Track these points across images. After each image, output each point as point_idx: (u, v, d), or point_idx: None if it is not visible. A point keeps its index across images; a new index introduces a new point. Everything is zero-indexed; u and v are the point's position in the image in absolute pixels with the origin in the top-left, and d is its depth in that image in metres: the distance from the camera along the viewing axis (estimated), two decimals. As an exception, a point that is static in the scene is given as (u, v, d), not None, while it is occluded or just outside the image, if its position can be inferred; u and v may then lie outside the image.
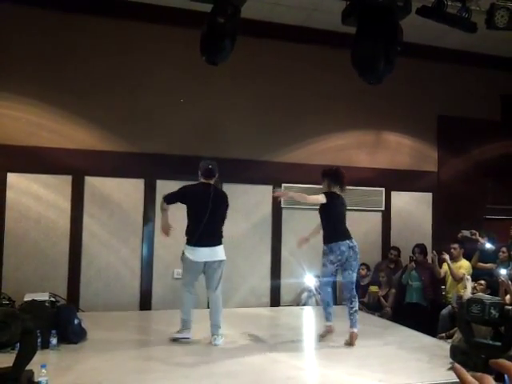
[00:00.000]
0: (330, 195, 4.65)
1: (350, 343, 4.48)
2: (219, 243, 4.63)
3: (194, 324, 5.16)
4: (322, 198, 4.61)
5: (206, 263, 4.57)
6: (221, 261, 4.64)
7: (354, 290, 4.65)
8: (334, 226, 4.65)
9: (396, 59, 4.02)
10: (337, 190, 4.72)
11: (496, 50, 7.43)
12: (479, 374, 0.70)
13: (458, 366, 0.72)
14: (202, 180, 4.70)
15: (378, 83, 4.14)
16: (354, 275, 4.67)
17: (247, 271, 6.78)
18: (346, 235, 4.62)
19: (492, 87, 7.87)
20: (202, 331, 4.96)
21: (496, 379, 0.72)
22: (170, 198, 4.71)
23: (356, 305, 4.62)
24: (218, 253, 4.60)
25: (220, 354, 4.29)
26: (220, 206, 4.65)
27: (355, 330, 4.50)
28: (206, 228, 4.50)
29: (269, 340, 4.66)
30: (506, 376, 0.72)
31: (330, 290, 4.76)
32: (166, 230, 4.72)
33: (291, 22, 6.75)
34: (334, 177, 4.73)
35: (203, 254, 4.54)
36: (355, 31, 4.21)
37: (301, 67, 7.04)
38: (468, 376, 0.70)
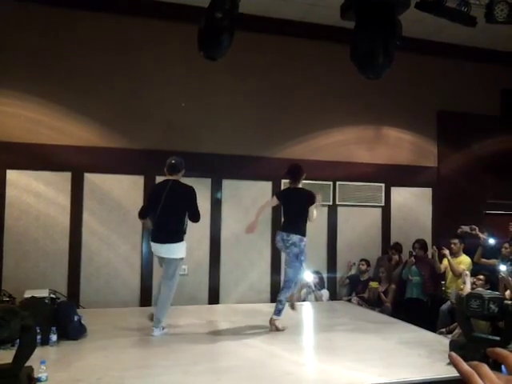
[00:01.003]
0: (280, 193, 5.25)
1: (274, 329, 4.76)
2: (175, 241, 4.54)
3: (194, 319, 5.19)
4: (270, 201, 5.23)
5: (163, 258, 4.65)
6: (175, 258, 4.59)
7: (290, 284, 4.84)
8: (284, 217, 5.00)
9: (395, 54, 4.01)
10: (293, 185, 4.97)
11: (495, 45, 7.40)
12: (475, 362, 0.70)
13: (453, 354, 0.72)
14: (167, 176, 4.71)
15: (376, 78, 4.13)
16: (290, 272, 4.84)
17: (247, 267, 6.80)
18: (285, 227, 4.86)
19: (491, 82, 7.85)
20: (202, 326, 4.97)
21: (493, 368, 0.71)
22: (144, 213, 4.83)
23: (281, 296, 4.82)
24: (173, 250, 4.55)
25: (219, 350, 4.30)
26: (176, 201, 4.55)
27: (273, 317, 4.78)
28: (159, 224, 4.55)
29: (268, 335, 4.66)
30: (503, 365, 0.71)
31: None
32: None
33: (290, 17, 6.72)
34: (289, 173, 5.00)
35: (158, 250, 4.62)
36: (354, 26, 4.20)
37: (300, 62, 7.03)
38: (464, 364, 0.69)
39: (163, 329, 4.57)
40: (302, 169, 4.99)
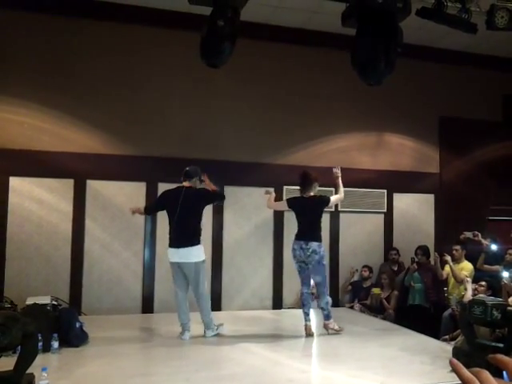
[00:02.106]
0: (291, 200, 5.19)
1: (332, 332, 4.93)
2: (191, 244, 4.65)
3: (195, 325, 5.19)
4: (280, 205, 5.25)
5: (179, 264, 4.69)
6: (194, 262, 4.68)
7: (323, 289, 5.01)
8: (298, 225, 5.02)
9: (396, 61, 4.02)
10: (304, 193, 5.04)
11: (497, 51, 7.42)
12: (476, 369, 0.70)
13: (454, 360, 0.71)
14: (182, 182, 4.87)
15: (377, 85, 4.15)
16: (318, 278, 4.97)
17: (249, 273, 6.78)
18: (302, 236, 4.92)
19: (493, 88, 7.86)
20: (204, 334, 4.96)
21: (495, 375, 0.71)
22: (150, 209, 5.08)
23: (322, 303, 5.00)
24: (189, 254, 4.65)
25: (222, 357, 4.29)
26: (191, 206, 4.70)
27: (325, 322, 4.97)
28: (176, 230, 4.71)
29: (271, 342, 4.65)
30: (504, 372, 0.71)
31: (305, 290, 5.05)
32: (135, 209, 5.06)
33: (291, 25, 6.76)
34: (299, 181, 5.07)
35: (175, 255, 4.70)
36: (355, 33, 4.22)
37: (302, 69, 7.06)
38: (465, 371, 0.69)
39: (217, 328, 4.82)
40: (310, 176, 5.03)
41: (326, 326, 4.97)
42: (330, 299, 6.72)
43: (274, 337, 4.86)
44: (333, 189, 7.12)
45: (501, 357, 0.72)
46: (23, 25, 6.11)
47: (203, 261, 4.75)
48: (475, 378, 0.68)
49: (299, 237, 4.94)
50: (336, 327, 4.97)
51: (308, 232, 4.92)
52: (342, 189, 5.20)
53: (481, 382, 0.67)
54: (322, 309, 5.00)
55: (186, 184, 4.81)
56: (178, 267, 4.73)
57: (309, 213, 4.97)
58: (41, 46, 6.17)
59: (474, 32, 4.51)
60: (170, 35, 6.48)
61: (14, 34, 6.07)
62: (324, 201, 5.04)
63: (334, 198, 5.21)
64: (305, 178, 5.04)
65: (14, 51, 6.06)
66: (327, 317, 4.98)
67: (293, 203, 5.14)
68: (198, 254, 4.70)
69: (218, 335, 4.83)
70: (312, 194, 5.02)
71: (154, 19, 6.38)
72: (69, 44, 6.26)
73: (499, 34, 4.74)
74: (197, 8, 4.32)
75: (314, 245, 4.85)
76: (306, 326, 4.91)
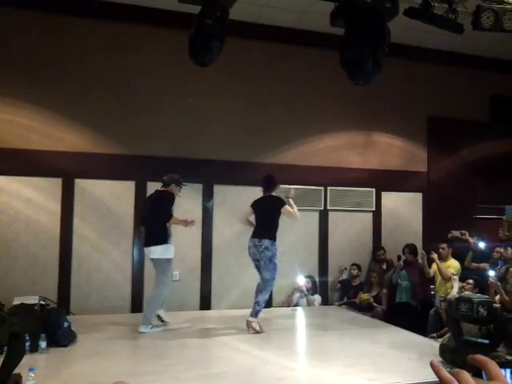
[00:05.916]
0: (254, 202, 5.33)
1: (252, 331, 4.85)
2: (157, 243, 4.97)
3: (185, 325, 5.20)
4: (249, 212, 5.31)
5: (151, 260, 5.11)
6: (160, 259, 4.99)
7: (267, 286, 5.03)
8: (255, 223, 5.21)
9: (384, 60, 4.04)
10: (265, 193, 5.23)
11: (484, 51, 7.50)
12: (456, 369, 0.71)
13: (434, 362, 0.73)
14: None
15: (365, 84, 4.17)
16: (267, 274, 5.00)
17: (239, 272, 6.78)
18: (256, 233, 5.08)
19: (481, 88, 7.94)
20: (193, 332, 4.96)
21: (475, 375, 0.72)
22: (140, 221, 5.47)
23: (259, 297, 4.95)
24: (152, 252, 4.99)
25: (211, 356, 4.29)
26: (156, 209, 5.04)
27: (249, 319, 4.89)
28: (146, 230, 5.18)
29: (260, 341, 4.66)
30: (483, 371, 0.72)
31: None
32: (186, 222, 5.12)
33: (281, 24, 6.77)
34: (263, 183, 5.28)
35: (146, 253, 5.16)
36: (343, 32, 4.23)
37: (291, 68, 7.07)
38: (444, 372, 0.70)
39: (152, 327, 4.88)
40: (274, 179, 5.25)
41: (249, 324, 4.88)
42: (319, 297, 6.78)
43: (263, 335, 4.87)
44: (321, 188, 7.21)
45: (479, 356, 0.73)
46: (13, 23, 6.04)
47: (166, 259, 4.99)
48: (454, 378, 0.69)
49: (254, 234, 5.08)
50: (257, 328, 4.87)
51: (263, 230, 5.06)
52: (295, 208, 5.22)
53: (460, 382, 0.68)
54: (257, 303, 4.91)
55: (161, 188, 5.19)
56: (152, 263, 5.15)
57: (265, 211, 5.12)
58: (31, 44, 6.10)
59: (461, 32, 4.55)
60: (160, 34, 6.45)
61: (4, 33, 6.00)
62: (279, 200, 5.14)
63: (290, 208, 5.15)
64: (269, 179, 5.24)
65: (4, 49, 5.99)
66: (256, 314, 4.91)
67: (254, 204, 5.30)
68: (165, 251, 4.97)
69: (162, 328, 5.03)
70: (273, 194, 5.21)
71: (144, 18, 6.34)
72: (59, 43, 6.20)
73: (486, 35, 4.79)
74: (185, 7, 4.30)
75: (266, 242, 4.97)
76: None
